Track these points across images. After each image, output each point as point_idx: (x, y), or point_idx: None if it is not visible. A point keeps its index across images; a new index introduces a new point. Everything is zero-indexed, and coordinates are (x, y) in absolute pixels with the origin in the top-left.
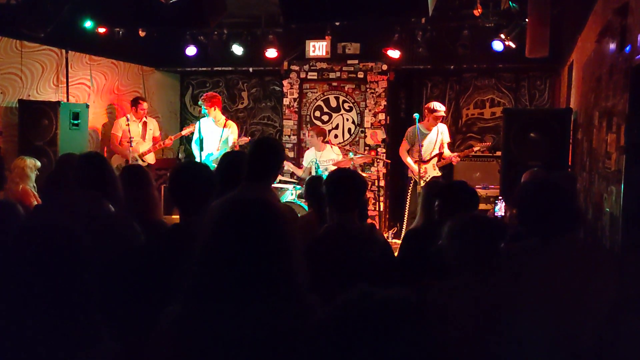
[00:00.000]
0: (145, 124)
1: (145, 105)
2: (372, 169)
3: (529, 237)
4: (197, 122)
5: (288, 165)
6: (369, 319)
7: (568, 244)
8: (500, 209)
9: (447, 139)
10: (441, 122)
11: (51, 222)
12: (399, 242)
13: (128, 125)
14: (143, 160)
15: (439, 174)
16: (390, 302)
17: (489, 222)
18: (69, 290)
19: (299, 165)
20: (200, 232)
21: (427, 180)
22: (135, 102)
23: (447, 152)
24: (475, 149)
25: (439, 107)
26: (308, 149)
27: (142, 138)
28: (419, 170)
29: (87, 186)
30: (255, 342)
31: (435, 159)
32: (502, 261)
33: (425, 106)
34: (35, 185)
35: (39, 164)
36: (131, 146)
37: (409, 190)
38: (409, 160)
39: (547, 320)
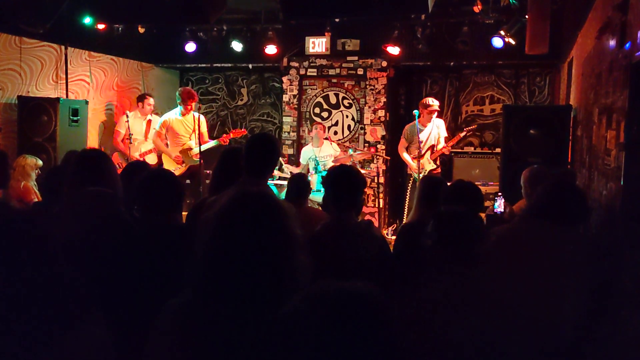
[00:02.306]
0: (149, 122)
1: (151, 100)
2: (372, 165)
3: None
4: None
5: (286, 167)
6: (328, 312)
7: (548, 226)
8: (499, 205)
9: (444, 133)
10: (437, 117)
11: (12, 213)
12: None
13: (127, 122)
14: (144, 160)
15: (435, 166)
16: (350, 295)
17: (464, 216)
18: (41, 279)
19: (297, 163)
20: (201, 227)
21: (425, 174)
22: (141, 98)
23: (441, 145)
24: (462, 134)
25: (432, 102)
26: (306, 145)
27: (144, 137)
28: (418, 167)
29: (86, 182)
30: (257, 337)
31: (429, 152)
32: (484, 254)
33: (420, 102)
34: (35, 183)
35: (40, 162)
36: (130, 143)
37: (409, 187)
38: (407, 158)
39: (528, 299)
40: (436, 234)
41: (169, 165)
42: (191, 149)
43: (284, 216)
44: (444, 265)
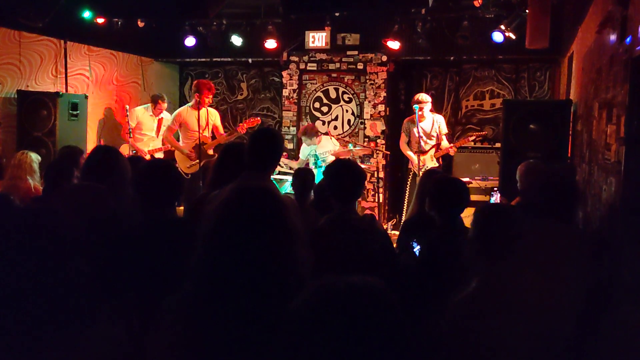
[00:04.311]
0: (160, 120)
1: (164, 105)
2: (372, 160)
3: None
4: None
5: (284, 161)
6: (334, 307)
7: (556, 227)
8: (496, 200)
9: (444, 130)
10: (437, 112)
11: (36, 207)
12: (398, 233)
13: (127, 116)
14: (153, 157)
15: (437, 164)
16: (355, 289)
17: (507, 209)
18: (60, 274)
19: (296, 157)
20: (203, 222)
21: (425, 170)
22: (154, 100)
23: (445, 143)
24: (471, 138)
25: (422, 98)
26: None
27: (155, 134)
28: (419, 162)
29: (96, 178)
30: (260, 331)
31: (433, 150)
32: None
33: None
34: (40, 180)
35: (39, 157)
36: (130, 137)
37: (408, 182)
38: (408, 153)
39: (530, 299)
40: (476, 228)
41: (182, 162)
42: (205, 143)
43: (285, 210)
44: (479, 259)
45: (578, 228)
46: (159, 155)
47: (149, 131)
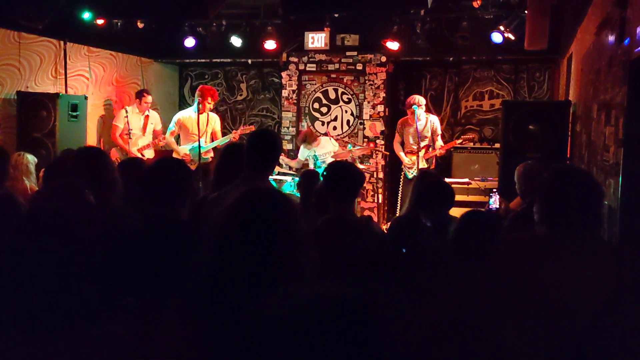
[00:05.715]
0: (147, 117)
1: (149, 98)
2: (371, 160)
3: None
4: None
5: (283, 160)
6: (307, 319)
7: (573, 236)
8: (494, 201)
9: (439, 130)
10: (433, 113)
11: (45, 207)
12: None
13: (127, 117)
14: (142, 155)
15: (426, 165)
16: (332, 301)
17: (488, 216)
18: (62, 274)
19: (295, 157)
20: (209, 224)
21: (415, 171)
22: (139, 95)
23: (439, 142)
24: (458, 142)
25: (421, 101)
26: None
27: (142, 132)
28: (413, 162)
29: (82, 179)
30: (264, 334)
31: (423, 151)
32: (501, 252)
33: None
34: (36, 182)
35: (35, 158)
36: (130, 139)
37: (401, 182)
38: (400, 154)
39: (548, 309)
40: (457, 230)
41: None
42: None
43: (293, 212)
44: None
45: (601, 240)
46: (149, 151)
47: (136, 129)
